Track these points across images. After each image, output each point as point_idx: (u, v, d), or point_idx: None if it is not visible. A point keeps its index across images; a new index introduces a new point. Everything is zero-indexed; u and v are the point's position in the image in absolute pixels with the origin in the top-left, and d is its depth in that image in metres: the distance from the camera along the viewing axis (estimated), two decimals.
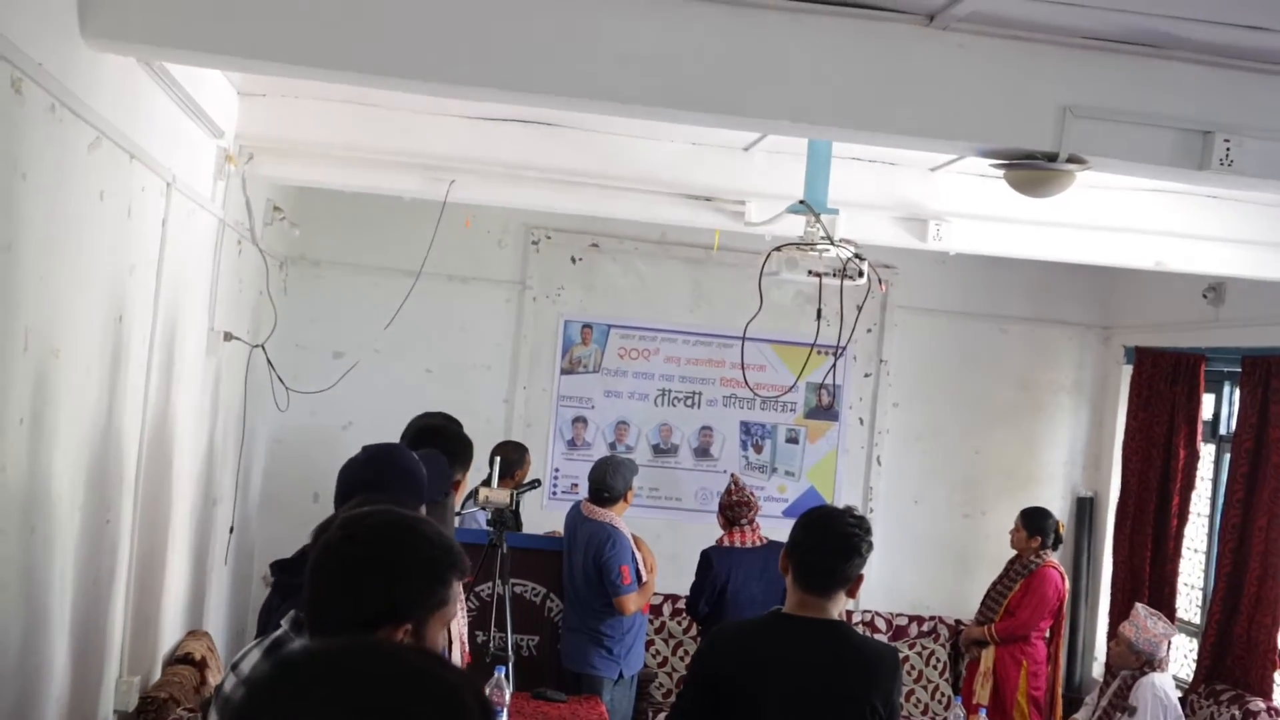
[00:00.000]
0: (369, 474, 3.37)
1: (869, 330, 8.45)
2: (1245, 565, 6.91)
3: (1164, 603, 7.46)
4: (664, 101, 3.79)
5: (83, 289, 3.68)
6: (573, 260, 8.34)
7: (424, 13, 3.61)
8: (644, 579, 6.16)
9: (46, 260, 3.32)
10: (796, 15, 3.71)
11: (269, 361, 6.44)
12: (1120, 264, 6.64)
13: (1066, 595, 7.31)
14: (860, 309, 5.12)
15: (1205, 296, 7.58)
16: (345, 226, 7.96)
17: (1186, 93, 3.89)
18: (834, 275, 4.82)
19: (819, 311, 5.02)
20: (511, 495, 5.52)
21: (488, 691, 4.18)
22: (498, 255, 8.28)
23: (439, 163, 5.87)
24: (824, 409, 8.57)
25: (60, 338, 3.48)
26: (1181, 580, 7.71)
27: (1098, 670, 8.24)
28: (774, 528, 6.29)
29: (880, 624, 8.38)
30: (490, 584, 5.66)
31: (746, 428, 8.50)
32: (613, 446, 8.25)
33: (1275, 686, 6.79)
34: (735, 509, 6.31)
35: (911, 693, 8.16)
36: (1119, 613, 7.63)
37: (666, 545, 7.47)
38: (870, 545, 3.53)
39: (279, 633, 2.57)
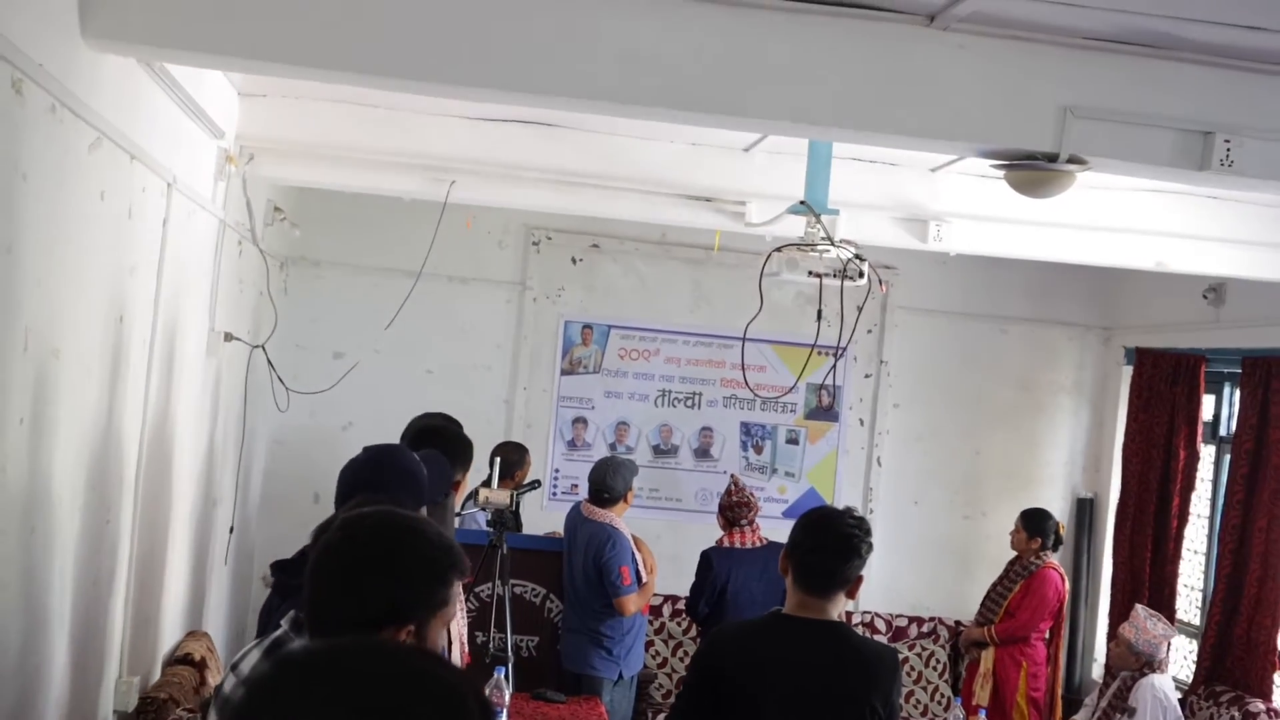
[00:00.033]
0: (369, 475, 3.37)
1: (869, 331, 8.45)
2: (1245, 566, 6.91)
3: (1164, 604, 7.46)
4: (664, 102, 3.79)
5: (83, 289, 3.68)
6: (573, 261, 8.34)
7: (424, 13, 3.61)
8: (644, 580, 6.16)
9: (47, 261, 3.32)
10: (797, 15, 3.71)
11: (269, 362, 6.44)
12: (1120, 265, 6.64)
13: (1066, 596, 7.31)
14: (860, 310, 5.13)
15: (1205, 297, 7.58)
16: (346, 227, 7.96)
17: (1187, 93, 3.89)
18: (834, 276, 4.82)
19: (819, 312, 5.02)
20: (511, 496, 5.52)
21: (487, 692, 4.18)
22: (498, 256, 8.28)
23: (439, 163, 5.87)
24: (824, 410, 8.57)
25: (60, 338, 3.48)
26: (1181, 581, 7.70)
27: (1097, 671, 8.24)
28: (774, 528, 6.29)
29: (880, 625, 8.38)
30: (490, 585, 5.66)
31: (747, 428, 8.50)
32: (613, 447, 8.25)
33: (1275, 688, 6.79)
34: (735, 510, 6.31)
35: (911, 694, 8.15)
36: (1119, 614, 7.63)
37: (666, 546, 7.47)
38: (870, 546, 3.53)
39: (279, 633, 2.57)
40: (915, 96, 3.84)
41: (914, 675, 8.22)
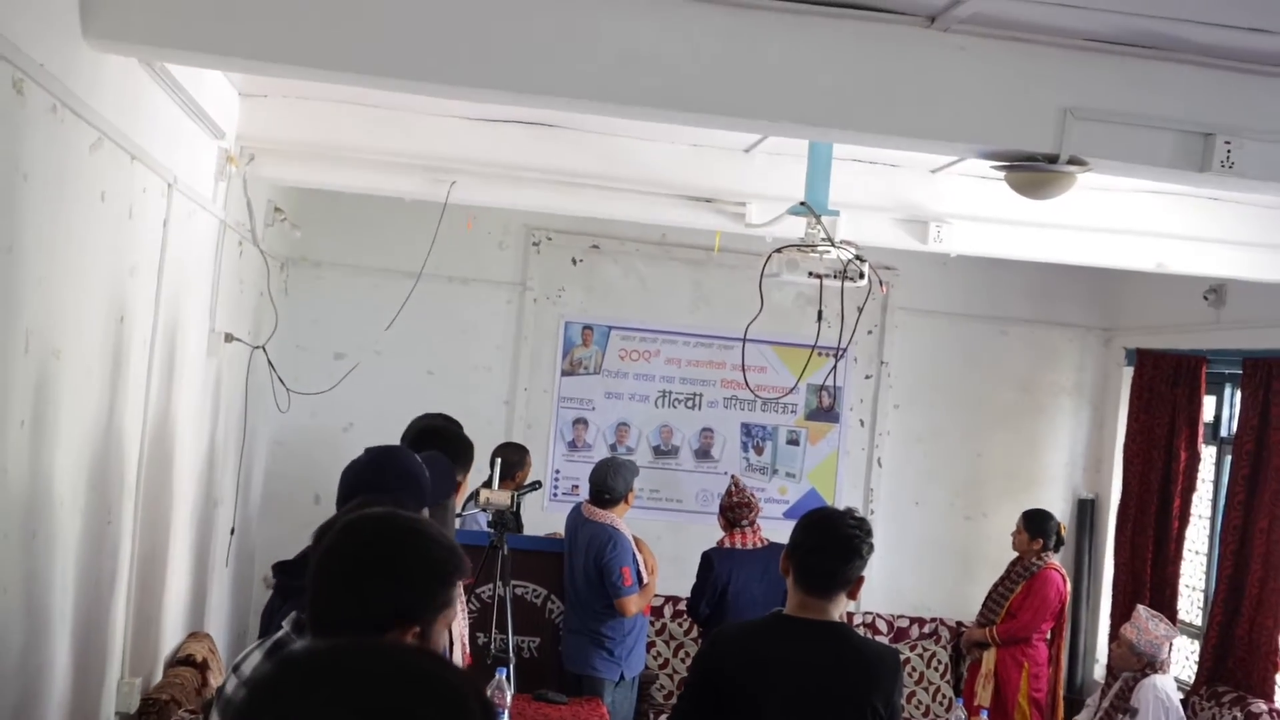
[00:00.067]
0: (371, 476, 3.37)
1: (870, 332, 8.45)
2: (1246, 567, 6.91)
3: (1165, 604, 7.46)
4: (664, 103, 3.79)
5: (84, 290, 3.68)
6: (573, 261, 8.34)
7: (424, 14, 3.61)
8: (645, 581, 6.16)
9: (47, 261, 3.32)
10: (797, 16, 3.71)
11: (270, 363, 6.44)
12: (1121, 266, 6.64)
13: (1068, 597, 7.30)
14: (861, 311, 5.13)
15: (1206, 298, 7.58)
16: (346, 228, 7.96)
17: (1187, 94, 3.89)
18: (835, 277, 4.82)
19: (820, 313, 5.02)
20: (512, 497, 5.52)
21: (489, 693, 4.17)
22: (498, 257, 8.28)
23: (440, 164, 5.87)
24: (825, 411, 8.57)
25: (61, 339, 3.48)
26: (1183, 582, 7.70)
27: (1099, 672, 8.24)
28: (775, 529, 6.29)
29: (881, 626, 8.38)
30: (491, 586, 5.65)
31: (747, 429, 8.50)
32: (613, 448, 8.25)
33: (1277, 688, 6.79)
34: (736, 510, 6.31)
35: (913, 694, 8.15)
36: (1120, 614, 7.63)
37: (667, 547, 7.47)
38: (871, 547, 3.53)
39: (280, 634, 2.57)
40: (916, 97, 3.84)
41: (915, 676, 8.22)
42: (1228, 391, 7.70)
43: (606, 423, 8.36)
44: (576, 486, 8.07)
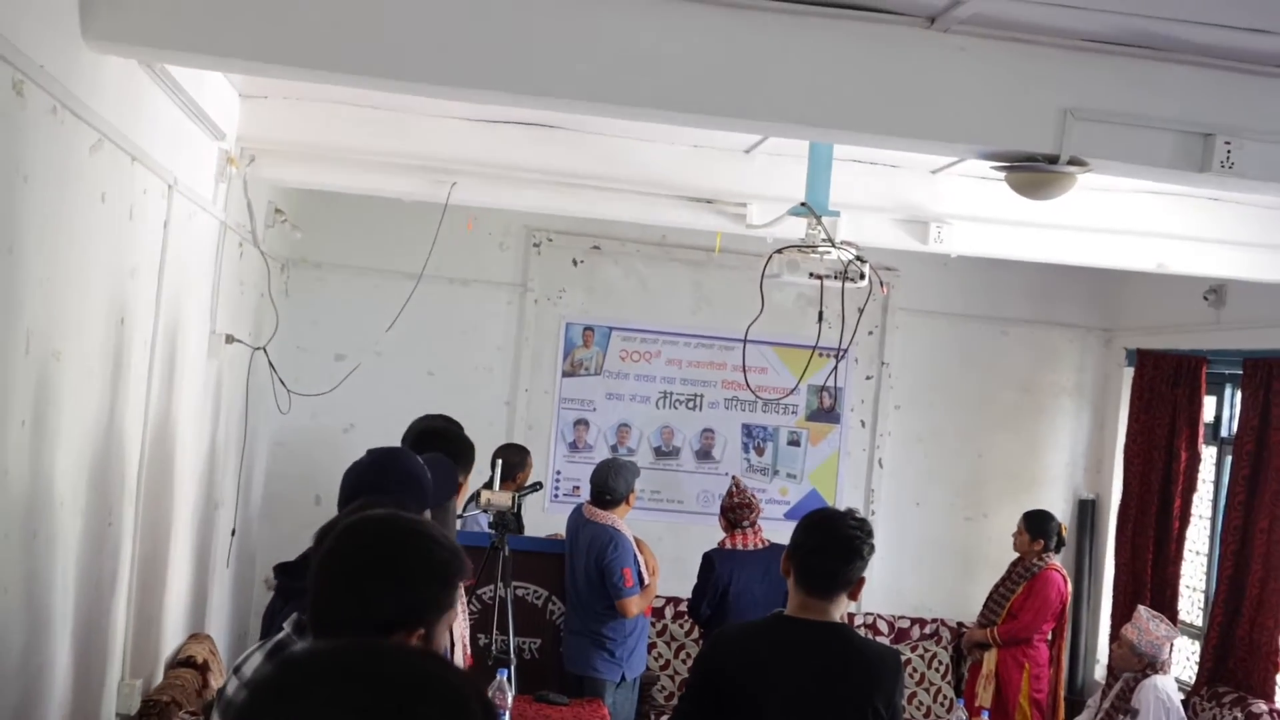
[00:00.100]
0: (373, 478, 3.36)
1: (870, 333, 8.45)
2: (1247, 567, 6.91)
3: (1166, 605, 7.46)
4: (664, 104, 3.79)
5: (84, 291, 3.68)
6: (574, 262, 8.34)
7: (424, 15, 3.61)
8: (646, 582, 6.16)
9: (48, 262, 3.32)
10: (797, 17, 3.71)
11: (270, 364, 6.45)
12: (1121, 266, 6.64)
13: (1069, 598, 7.30)
14: (861, 311, 5.12)
15: (1206, 299, 7.58)
16: (347, 229, 7.96)
17: (1187, 95, 3.89)
18: (835, 277, 4.82)
19: (820, 314, 5.02)
20: (513, 498, 5.52)
21: (490, 694, 4.18)
22: (499, 258, 8.28)
23: (440, 165, 5.87)
24: (825, 411, 8.57)
25: (62, 340, 3.48)
26: (1183, 582, 7.70)
27: (1100, 673, 8.23)
28: (776, 530, 6.29)
29: (882, 626, 8.38)
30: (492, 587, 5.65)
31: (748, 430, 8.50)
32: (614, 449, 8.25)
33: (1277, 688, 6.79)
34: (737, 511, 6.31)
35: (914, 695, 8.15)
36: (1121, 615, 7.63)
37: (668, 548, 7.47)
38: (872, 548, 3.53)
39: (281, 635, 2.57)
40: (916, 98, 3.84)
41: (916, 677, 8.22)
42: (1228, 392, 7.70)
43: (607, 424, 8.36)
44: (577, 487, 8.07)
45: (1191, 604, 7.80)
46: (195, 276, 5.17)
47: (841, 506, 6.36)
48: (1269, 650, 6.76)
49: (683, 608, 7.51)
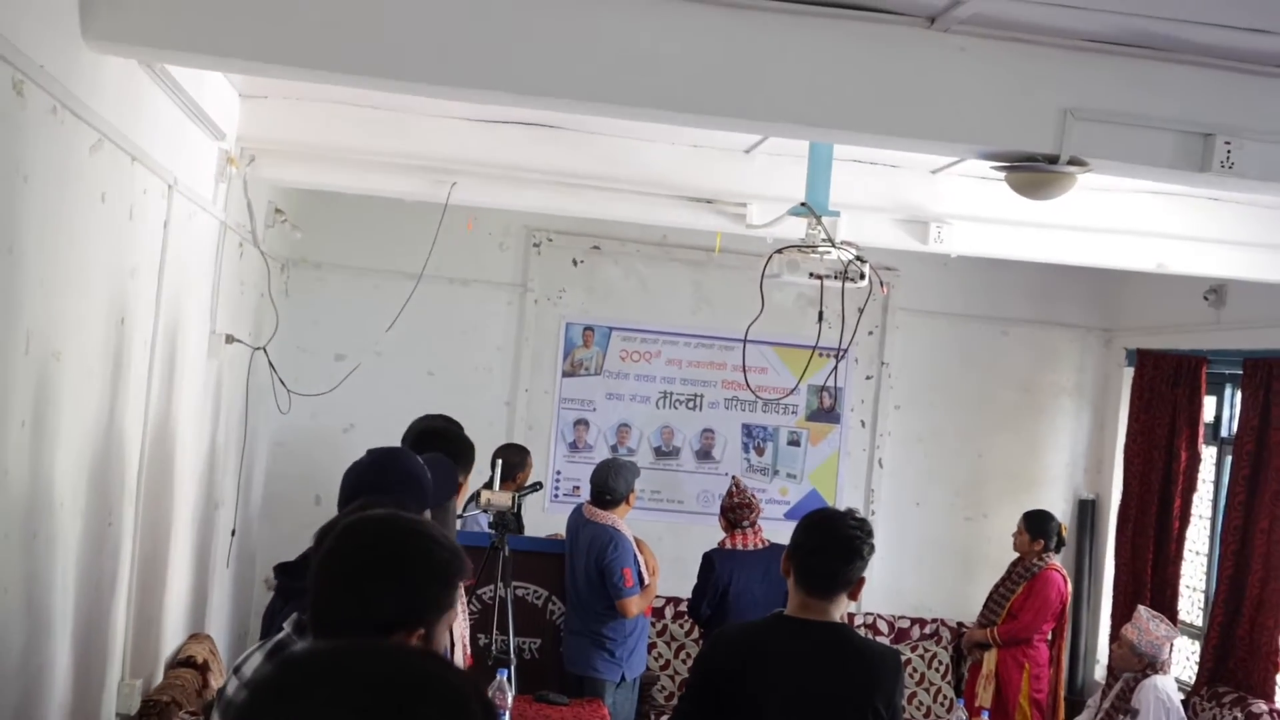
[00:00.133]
0: (373, 478, 3.36)
1: (870, 333, 8.45)
2: (1247, 567, 6.91)
3: (1166, 605, 7.45)
4: (664, 104, 3.79)
5: (84, 291, 3.68)
6: (574, 262, 8.34)
7: (423, 15, 3.61)
8: (646, 582, 6.16)
9: (48, 263, 3.32)
10: (797, 17, 3.71)
11: (270, 364, 6.45)
12: (1121, 266, 6.64)
13: (1069, 598, 7.30)
14: (861, 311, 5.12)
15: (1206, 299, 7.58)
16: (347, 229, 7.96)
17: (1187, 95, 3.89)
18: (835, 277, 4.82)
19: (820, 314, 5.02)
20: (513, 498, 5.52)
21: (490, 694, 4.17)
22: (499, 258, 8.28)
23: (440, 165, 5.87)
24: (825, 411, 8.57)
25: (62, 340, 3.48)
26: (1183, 582, 7.70)
27: (1100, 673, 8.23)
28: (776, 530, 6.29)
29: (882, 626, 8.38)
30: (492, 587, 5.66)
31: (748, 430, 8.50)
32: (614, 449, 8.25)
33: (1277, 688, 6.78)
34: (737, 511, 6.31)
35: (914, 695, 8.15)
36: (1121, 615, 7.63)
37: (668, 548, 7.47)
38: (872, 548, 3.53)
39: (281, 635, 2.57)
40: (916, 98, 3.84)
41: (916, 677, 8.22)
42: (1228, 392, 7.70)
43: (607, 424, 8.36)
44: (577, 487, 8.07)
45: (1191, 604, 7.80)
46: (195, 276, 5.17)
47: (841, 506, 6.36)
48: (1269, 650, 6.76)
49: (683, 608, 7.51)
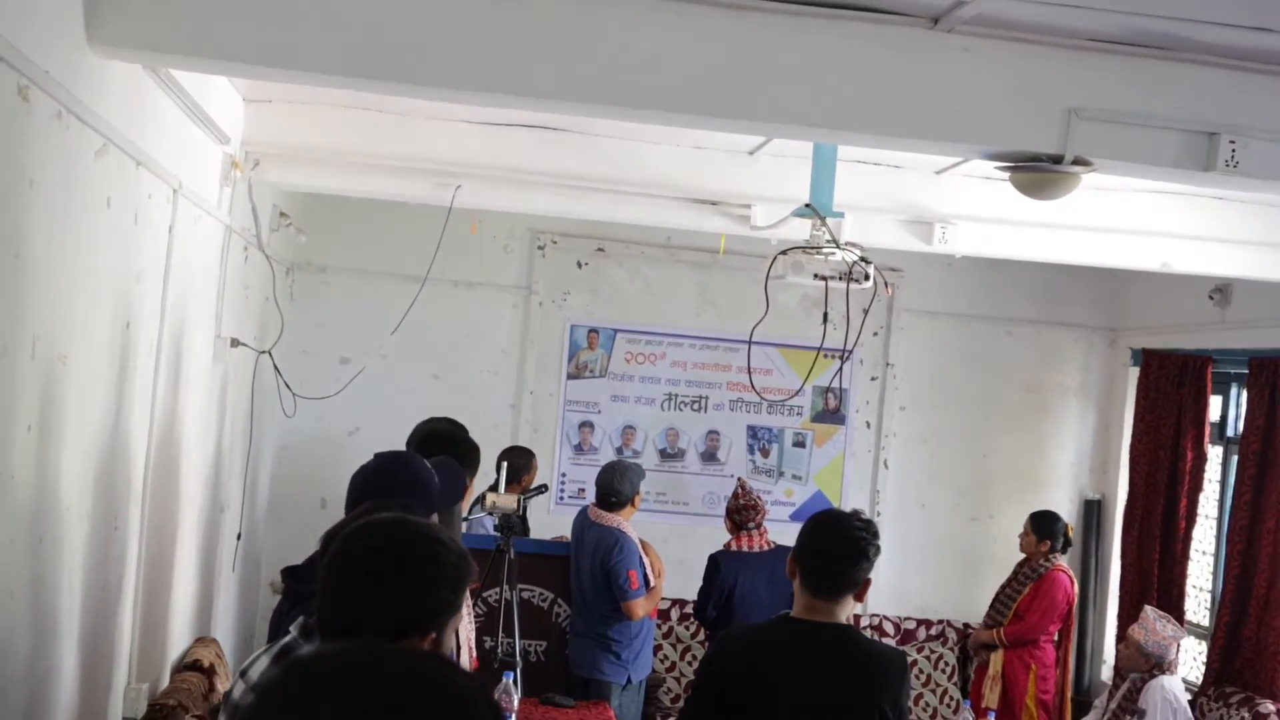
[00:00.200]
0: (380, 481, 3.37)
1: (875, 334, 8.45)
2: (1254, 567, 6.90)
3: (1172, 605, 7.44)
4: (668, 106, 3.79)
5: (90, 296, 3.69)
6: (579, 265, 8.34)
7: (427, 18, 3.61)
8: (652, 584, 6.15)
9: (54, 267, 3.33)
10: (800, 18, 3.71)
11: (276, 368, 6.45)
12: (1126, 266, 6.63)
13: (1075, 599, 7.29)
14: (866, 312, 5.13)
15: (1212, 298, 7.57)
16: (351, 232, 7.96)
17: (1192, 94, 3.89)
18: (840, 278, 4.82)
19: (825, 315, 5.01)
20: (519, 500, 5.53)
21: (496, 697, 4.17)
22: (504, 260, 8.29)
23: (445, 168, 5.87)
24: (831, 413, 8.57)
25: (68, 345, 3.48)
26: (1190, 583, 7.69)
27: (1107, 673, 8.23)
28: (781, 532, 6.29)
29: (888, 627, 8.37)
30: (498, 589, 5.66)
31: (753, 432, 8.49)
32: (619, 451, 8.25)
33: None
34: (742, 513, 6.31)
35: (920, 696, 8.14)
36: (1127, 615, 7.62)
37: (674, 550, 7.46)
38: (878, 549, 3.52)
39: (287, 639, 2.57)
40: (920, 99, 3.84)
41: (923, 678, 8.21)
42: (1234, 391, 7.69)
43: (612, 426, 8.36)
44: (583, 490, 8.07)
45: (1198, 604, 7.78)
46: (200, 281, 5.17)
47: (847, 508, 6.35)
48: (1276, 650, 6.75)
49: (688, 610, 7.50)
